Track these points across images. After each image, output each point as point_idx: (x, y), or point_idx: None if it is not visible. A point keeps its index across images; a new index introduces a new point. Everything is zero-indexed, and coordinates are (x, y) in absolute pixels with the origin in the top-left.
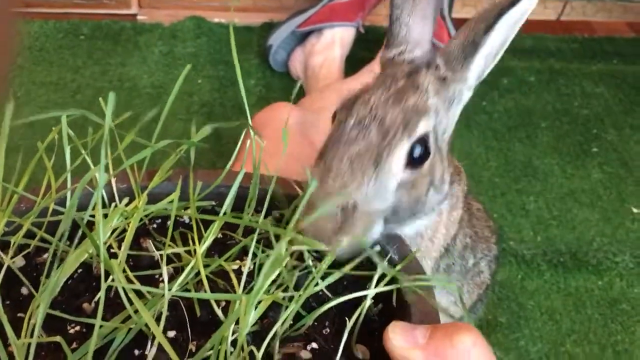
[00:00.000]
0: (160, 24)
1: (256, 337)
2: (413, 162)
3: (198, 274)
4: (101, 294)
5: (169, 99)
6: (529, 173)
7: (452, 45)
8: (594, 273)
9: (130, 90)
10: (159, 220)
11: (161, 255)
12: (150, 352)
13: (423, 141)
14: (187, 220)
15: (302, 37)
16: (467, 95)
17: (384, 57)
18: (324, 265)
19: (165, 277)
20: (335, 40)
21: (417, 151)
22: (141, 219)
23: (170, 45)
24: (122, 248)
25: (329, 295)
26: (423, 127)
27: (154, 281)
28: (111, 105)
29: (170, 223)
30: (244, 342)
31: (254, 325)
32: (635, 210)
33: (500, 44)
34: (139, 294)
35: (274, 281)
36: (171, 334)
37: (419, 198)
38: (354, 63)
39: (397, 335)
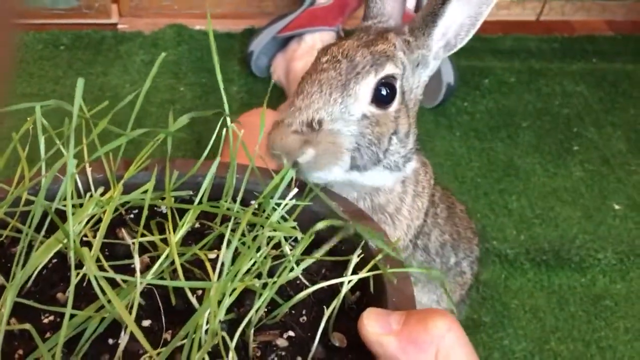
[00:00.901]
0: (141, 33)
1: (233, 325)
2: (379, 100)
3: (174, 263)
4: (71, 284)
5: (143, 89)
6: (511, 172)
7: (417, 17)
8: (577, 270)
9: (112, 99)
10: (136, 211)
11: (133, 244)
12: (123, 340)
13: (390, 85)
14: (164, 210)
15: (283, 43)
16: (433, 63)
17: (361, 25)
18: (298, 250)
19: (137, 266)
20: (316, 45)
21: (384, 91)
22: (118, 209)
23: (152, 54)
24: (97, 237)
25: (307, 283)
26: (390, 68)
27: (130, 271)
28: (80, 90)
29: (144, 212)
30: (217, 330)
31: (230, 313)
32: (616, 207)
33: (469, 16)
34: (114, 283)
35: (250, 269)
36: (146, 323)
37: (381, 139)
38: None
39: (371, 322)
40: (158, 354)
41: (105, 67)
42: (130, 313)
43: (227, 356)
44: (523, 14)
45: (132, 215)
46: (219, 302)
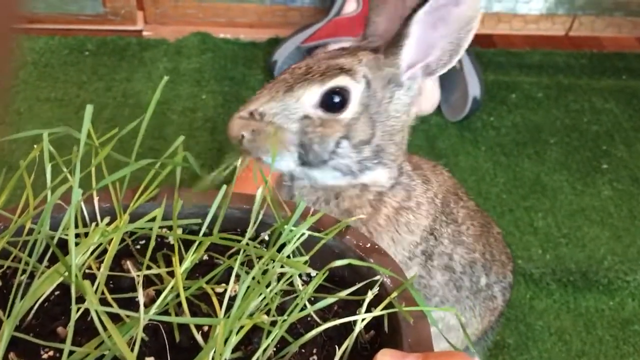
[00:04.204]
0: (165, 40)
1: None
2: (328, 105)
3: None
4: (72, 320)
5: (149, 109)
6: (537, 190)
7: (390, 36)
8: (605, 293)
9: (134, 106)
10: (143, 241)
11: (138, 277)
12: None
13: (343, 94)
14: (172, 242)
15: (307, 53)
16: (407, 83)
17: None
18: (311, 288)
19: (141, 300)
20: None
21: (336, 98)
22: (124, 239)
23: (175, 61)
24: (101, 269)
25: (318, 320)
26: (341, 80)
27: (135, 304)
28: (88, 120)
29: (151, 242)
30: None
31: (237, 351)
32: None
33: (450, 42)
34: (118, 317)
35: (259, 306)
36: None
37: (326, 140)
38: None
39: None
40: None
41: (129, 74)
42: (132, 349)
43: None
44: (552, 29)
45: (138, 246)
46: (225, 340)
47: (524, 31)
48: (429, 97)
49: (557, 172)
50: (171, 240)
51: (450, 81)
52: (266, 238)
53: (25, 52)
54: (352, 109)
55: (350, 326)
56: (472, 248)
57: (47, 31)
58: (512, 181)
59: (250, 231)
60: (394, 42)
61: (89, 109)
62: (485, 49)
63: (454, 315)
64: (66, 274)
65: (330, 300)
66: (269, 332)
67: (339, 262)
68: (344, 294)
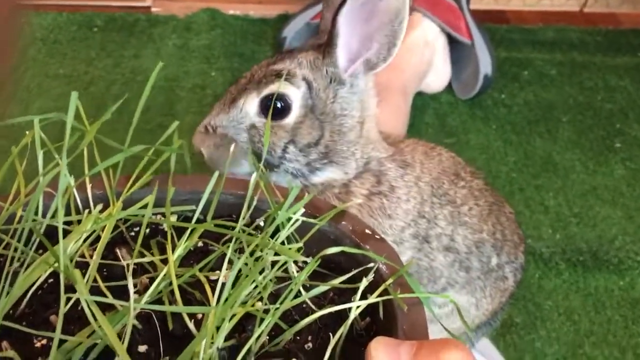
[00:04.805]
0: (174, 16)
1: (233, 352)
2: (267, 112)
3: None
4: (61, 309)
5: (146, 90)
6: (549, 168)
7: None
8: (615, 273)
9: (143, 82)
10: (137, 228)
11: (128, 265)
12: None
13: (283, 99)
14: (166, 229)
15: (316, 29)
16: (349, 80)
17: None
18: (304, 275)
19: (131, 289)
20: None
21: (278, 104)
22: (119, 227)
23: (185, 38)
24: (94, 257)
25: (313, 307)
26: (275, 87)
27: (128, 292)
28: (73, 106)
29: (142, 229)
30: (214, 358)
31: (231, 339)
32: None
33: (386, 35)
34: (112, 305)
35: (252, 292)
36: (142, 348)
37: (273, 148)
38: None
39: (379, 353)
40: None
41: (137, 50)
42: (126, 338)
43: None
44: (566, 5)
45: (133, 233)
46: (218, 328)
47: (538, 7)
48: (440, 75)
49: (569, 151)
50: (165, 227)
51: (461, 58)
52: (261, 224)
53: (34, 29)
54: (294, 113)
55: (345, 313)
56: (477, 228)
57: (55, 7)
58: (523, 160)
59: (243, 217)
60: (328, 41)
61: (74, 96)
62: (498, 25)
63: (464, 295)
64: (56, 264)
65: (323, 287)
66: (262, 320)
67: (331, 250)
68: (337, 281)
